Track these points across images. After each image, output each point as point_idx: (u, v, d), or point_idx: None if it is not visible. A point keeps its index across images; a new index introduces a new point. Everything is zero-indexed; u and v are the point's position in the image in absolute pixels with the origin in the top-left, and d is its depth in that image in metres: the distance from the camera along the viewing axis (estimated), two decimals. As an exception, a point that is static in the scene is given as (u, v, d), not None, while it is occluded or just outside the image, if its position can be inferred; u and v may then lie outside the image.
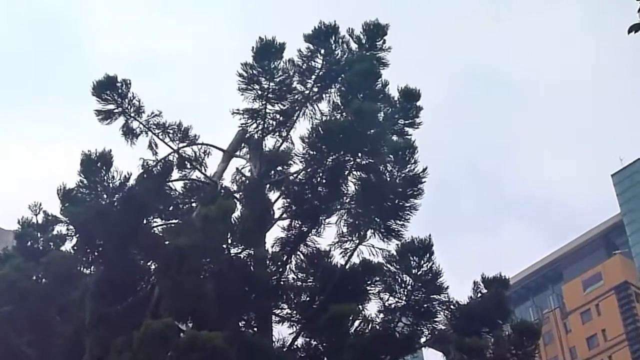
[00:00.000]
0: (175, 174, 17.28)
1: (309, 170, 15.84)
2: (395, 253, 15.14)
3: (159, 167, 16.98)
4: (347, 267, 15.51)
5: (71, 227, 16.20)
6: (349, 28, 17.39)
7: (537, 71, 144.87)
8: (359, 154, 15.48)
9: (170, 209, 17.06)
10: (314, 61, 17.26)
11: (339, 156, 15.43)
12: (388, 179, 15.28)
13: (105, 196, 15.48)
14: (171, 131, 17.04)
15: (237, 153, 17.37)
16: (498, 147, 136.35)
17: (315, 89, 17.30)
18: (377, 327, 14.89)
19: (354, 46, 17.37)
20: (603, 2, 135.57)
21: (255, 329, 14.95)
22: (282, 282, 15.37)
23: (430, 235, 14.91)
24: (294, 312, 15.34)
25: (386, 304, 15.14)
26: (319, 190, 15.68)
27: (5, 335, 16.15)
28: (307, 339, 15.13)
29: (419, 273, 14.87)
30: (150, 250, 15.14)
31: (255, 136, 17.30)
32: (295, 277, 15.70)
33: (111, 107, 16.65)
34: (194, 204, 16.99)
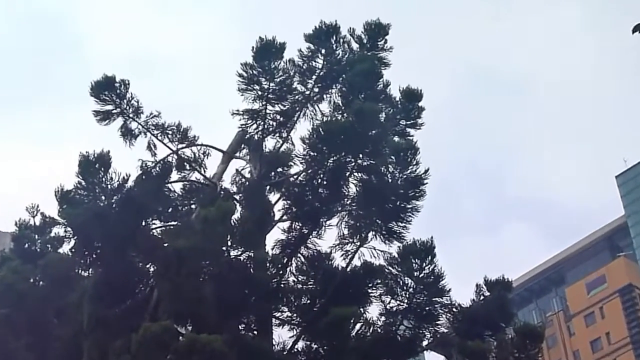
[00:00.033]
0: (175, 176, 17.28)
1: (309, 171, 15.83)
2: (396, 255, 15.14)
3: (157, 169, 16.97)
4: (348, 269, 15.50)
5: (69, 229, 16.17)
6: (350, 28, 17.40)
7: (539, 71, 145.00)
8: (360, 155, 15.47)
9: (169, 210, 17.05)
10: (315, 61, 17.26)
11: (340, 157, 15.42)
12: (389, 180, 15.28)
13: (103, 198, 15.48)
14: (170, 132, 17.04)
15: (237, 154, 17.36)
16: (500, 148, 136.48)
17: (316, 90, 17.30)
18: (379, 330, 14.88)
19: (355, 46, 17.37)
20: (604, 2, 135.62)
21: (255, 332, 14.95)
22: (282, 285, 15.36)
23: (432, 237, 14.92)
24: (295, 315, 15.33)
25: (388, 307, 15.14)
26: (319, 192, 15.67)
27: (3, 338, 16.14)
28: (308, 343, 15.12)
29: (420, 275, 14.86)
30: (149, 252, 15.14)
31: (255, 137, 17.29)
32: (295, 279, 15.70)
33: (109, 107, 16.64)
34: (193, 206, 16.99)
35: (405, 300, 15.00)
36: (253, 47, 16.76)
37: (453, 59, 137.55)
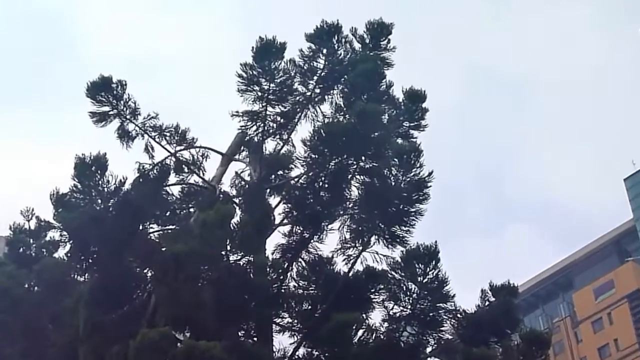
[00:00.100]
0: (173, 178, 17.28)
1: (310, 174, 15.83)
2: (400, 260, 15.13)
3: (155, 171, 16.98)
4: (350, 274, 15.49)
5: (65, 233, 16.20)
6: (352, 27, 17.41)
7: (543, 71, 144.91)
8: (363, 158, 15.47)
9: (167, 214, 17.06)
10: (316, 61, 17.27)
11: (342, 160, 15.43)
12: (392, 183, 15.27)
13: (99, 201, 15.49)
14: (168, 134, 17.04)
15: (237, 156, 17.37)
16: (504, 149, 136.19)
17: (317, 90, 17.31)
18: (382, 337, 14.87)
19: (357, 46, 17.39)
20: (612, 1, 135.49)
21: (255, 339, 14.93)
22: (282, 290, 15.36)
23: (436, 241, 14.90)
24: (295, 321, 15.32)
25: (391, 313, 15.13)
26: (321, 195, 15.67)
27: (-3, 345, 16.16)
28: (309, 349, 15.12)
29: (424, 281, 14.85)
30: (147, 257, 15.14)
31: (255, 139, 17.30)
32: (296, 284, 15.70)
33: (106, 109, 16.65)
34: (191, 209, 16.99)
35: (409, 306, 14.99)
36: (253, 47, 16.78)
37: (455, 59, 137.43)
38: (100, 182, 15.49)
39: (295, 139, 17.13)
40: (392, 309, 15.11)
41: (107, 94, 16.56)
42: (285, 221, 15.96)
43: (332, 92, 17.21)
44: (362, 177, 15.64)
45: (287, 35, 17.15)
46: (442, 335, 15.15)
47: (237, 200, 16.53)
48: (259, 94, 16.92)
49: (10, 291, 16.16)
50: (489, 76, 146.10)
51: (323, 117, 17.12)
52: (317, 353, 15.00)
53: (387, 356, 14.54)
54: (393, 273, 15.12)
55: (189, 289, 13.87)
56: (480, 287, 15.33)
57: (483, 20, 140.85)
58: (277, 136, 17.44)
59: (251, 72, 16.78)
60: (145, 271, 15.68)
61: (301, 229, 15.88)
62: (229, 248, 14.27)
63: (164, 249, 14.93)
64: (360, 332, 14.56)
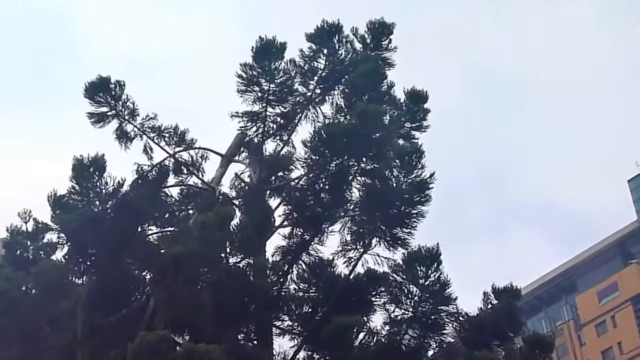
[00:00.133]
0: (172, 180, 17.29)
1: (311, 175, 15.83)
2: (401, 262, 15.12)
3: (154, 173, 16.98)
4: (351, 277, 15.49)
5: (62, 235, 16.20)
6: (353, 27, 17.40)
7: (543, 71, 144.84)
8: (364, 159, 15.48)
9: (166, 216, 17.06)
10: (317, 61, 17.27)
11: (343, 161, 15.43)
12: (394, 184, 15.27)
13: (98, 203, 15.50)
14: (167, 135, 17.04)
15: (236, 158, 17.37)
16: (506, 150, 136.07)
17: (318, 91, 17.31)
18: (383, 340, 14.86)
19: (358, 46, 17.38)
20: (612, 1, 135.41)
21: (255, 342, 14.93)
22: (283, 293, 15.36)
23: (437, 243, 14.89)
24: (296, 324, 15.32)
25: (392, 316, 15.13)
26: (321, 197, 15.67)
27: (-6, 348, 16.16)
28: (309, 353, 15.12)
29: (426, 283, 14.84)
30: (145, 259, 15.14)
31: (255, 140, 17.31)
32: (296, 287, 15.69)
33: (104, 109, 16.65)
34: (190, 211, 16.99)
35: (410, 309, 14.98)
36: (253, 47, 16.78)
37: (455, 59, 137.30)
38: (98, 184, 15.49)
39: (296, 140, 17.17)
40: (394, 311, 15.12)
41: (105, 95, 16.56)
42: (285, 223, 15.96)
43: (332, 92, 17.21)
44: (363, 178, 15.63)
45: (287, 35, 17.18)
46: (444, 339, 15.15)
47: (236, 202, 16.54)
48: (259, 94, 16.92)
49: (7, 294, 16.17)
50: (489, 76, 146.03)
51: (324, 118, 17.13)
52: (317, 356, 15.00)
53: (389, 359, 14.55)
54: (394, 275, 15.12)
55: (188, 291, 13.87)
56: (482, 290, 15.35)
57: (483, 20, 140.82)
58: (277, 137, 17.45)
59: (251, 73, 16.78)
60: (143, 273, 15.68)
61: (301, 230, 15.88)
62: (228, 250, 14.27)
63: (162, 251, 14.93)
64: (361, 335, 14.56)
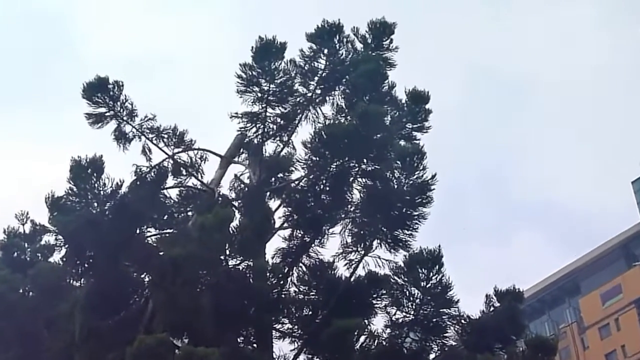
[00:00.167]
0: (170, 181, 17.31)
1: (311, 177, 15.84)
2: (402, 264, 15.12)
3: (152, 174, 16.99)
4: (351, 279, 15.50)
5: (60, 237, 16.18)
6: (354, 27, 17.41)
7: (544, 71, 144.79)
8: (365, 160, 15.48)
9: (165, 217, 17.07)
10: (317, 62, 17.28)
11: (343, 162, 15.43)
12: (395, 186, 15.27)
13: (96, 204, 15.49)
14: (166, 136, 17.05)
15: (236, 159, 17.38)
16: (508, 151, 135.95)
17: (318, 91, 17.32)
18: (384, 343, 14.86)
19: (359, 46, 17.39)
20: (613, 1, 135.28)
21: (255, 345, 14.93)
22: (283, 296, 15.36)
23: (439, 245, 14.89)
24: (296, 327, 15.33)
25: (393, 319, 15.12)
26: (322, 198, 15.68)
27: (-9, 351, 16.17)
28: (310, 356, 15.12)
29: (427, 286, 14.84)
30: (144, 261, 15.14)
31: (255, 141, 17.31)
32: (297, 290, 15.70)
33: (102, 110, 16.65)
34: (189, 213, 17.00)
35: (412, 312, 14.98)
36: (252, 47, 16.78)
37: (456, 59, 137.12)
38: (96, 185, 15.49)
39: (296, 141, 17.17)
40: (395, 314, 15.12)
41: (103, 95, 16.55)
42: (285, 225, 15.97)
43: (333, 93, 17.22)
44: (364, 180, 15.64)
45: (288, 35, 17.18)
46: (445, 342, 15.14)
47: (236, 204, 16.54)
48: (259, 95, 16.92)
49: (4, 296, 16.19)
50: (490, 76, 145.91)
51: (324, 119, 17.14)
52: (317, 360, 15.01)
53: (390, 363, 14.56)
54: (396, 278, 15.12)
55: (187, 294, 13.87)
56: (484, 292, 15.35)
57: (484, 20, 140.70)
58: (277, 138, 17.46)
59: (251, 73, 16.78)
60: (142, 276, 15.69)
61: (302, 232, 15.88)
62: (228, 252, 14.26)
63: (161, 253, 14.92)
64: (362, 339, 14.55)
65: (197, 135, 17.27)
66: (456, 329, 15.12)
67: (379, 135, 15.36)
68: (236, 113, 17.18)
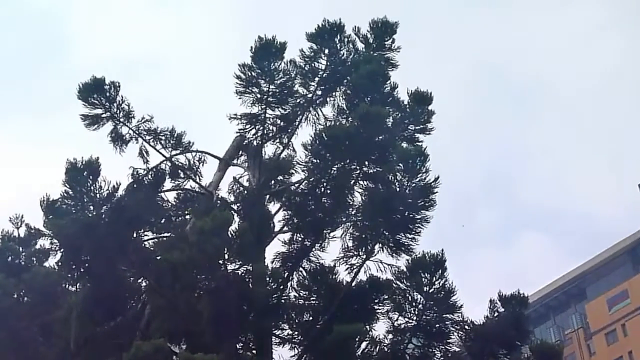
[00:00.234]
0: (168, 184, 17.33)
1: (312, 179, 15.83)
2: (405, 269, 15.11)
3: (150, 176, 17.02)
4: (353, 284, 15.49)
5: (55, 241, 16.19)
6: (355, 26, 17.42)
7: (561, 74, 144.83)
8: (366, 162, 15.48)
9: (162, 221, 17.07)
10: (318, 62, 17.28)
11: (345, 164, 15.43)
12: (397, 189, 15.26)
13: (92, 208, 15.47)
14: (163, 137, 17.06)
15: (235, 161, 17.39)
16: (513, 154, 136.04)
17: (319, 92, 17.32)
18: (386, 349, 14.87)
19: (360, 46, 17.40)
20: (626, 2, 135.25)
21: (254, 351, 14.93)
22: (283, 301, 15.36)
23: (442, 249, 14.89)
24: (296, 332, 15.33)
25: (395, 324, 15.12)
26: (322, 202, 15.67)
27: (-16, 358, 16.17)
28: (310, 362, 15.12)
29: (430, 291, 14.84)
30: (141, 265, 15.14)
31: (254, 143, 17.31)
32: (297, 295, 15.69)
33: (98, 111, 16.67)
34: (187, 216, 17.00)
35: (414, 317, 14.98)
36: (252, 47, 16.78)
37: (463, 60, 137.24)
38: (92, 188, 15.46)
39: (296, 143, 17.18)
40: (397, 320, 15.11)
41: (99, 96, 16.57)
42: (285, 228, 15.97)
43: (334, 94, 17.21)
44: (365, 182, 15.63)
45: (288, 34, 17.18)
46: (449, 348, 15.14)
47: (235, 207, 16.55)
48: (258, 95, 16.92)
49: (-2, 301, 16.18)
50: (497, 77, 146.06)
51: (325, 120, 17.14)
52: (318, 366, 15.00)
53: (392, 369, 14.56)
54: (398, 283, 15.11)
55: (185, 299, 13.88)
56: (488, 298, 15.34)
57: (490, 20, 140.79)
58: (277, 140, 17.45)
59: (250, 73, 16.78)
60: (139, 280, 15.68)
61: (302, 236, 15.88)
62: (226, 256, 14.24)
63: (159, 258, 14.94)
64: (363, 345, 14.57)
65: (195, 137, 17.31)
66: (459, 334, 15.12)
67: (380, 137, 15.36)
68: (235, 114, 17.20)
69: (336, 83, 17.18)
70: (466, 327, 15.10)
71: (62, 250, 15.98)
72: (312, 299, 15.64)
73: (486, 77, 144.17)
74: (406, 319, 15.03)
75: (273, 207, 16.37)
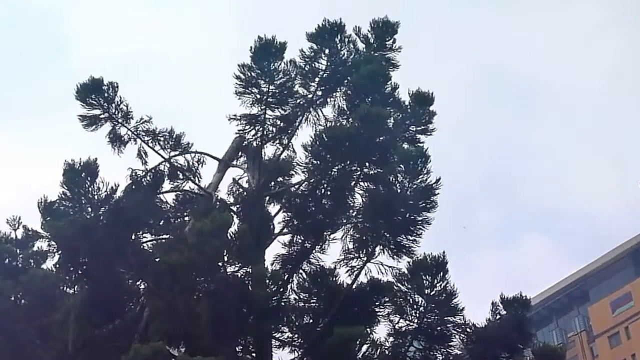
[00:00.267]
0: (167, 185, 17.32)
1: (312, 181, 15.83)
2: (406, 271, 15.12)
3: (148, 178, 17.00)
4: (353, 286, 15.49)
5: (53, 243, 16.20)
6: (356, 26, 17.44)
7: (562, 74, 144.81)
8: (367, 164, 15.48)
9: (161, 223, 17.07)
10: (318, 62, 17.28)
11: (345, 166, 15.43)
12: (398, 190, 15.26)
13: (90, 209, 15.46)
14: (162, 138, 17.05)
15: (234, 162, 17.39)
16: (515, 155, 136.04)
17: (319, 93, 17.32)
18: (387, 352, 14.87)
19: (361, 46, 17.41)
20: (627, 2, 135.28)
21: (254, 354, 14.93)
22: (282, 303, 15.35)
23: (444, 251, 14.90)
24: (296, 335, 15.32)
25: (396, 327, 15.12)
26: (323, 203, 15.67)
27: (-19, 361, 16.18)
28: (310, 365, 15.12)
29: (432, 293, 14.84)
30: (139, 267, 15.14)
31: (254, 144, 17.31)
32: (297, 297, 15.69)
33: (97, 112, 16.67)
34: (186, 218, 17.00)
35: (416, 320, 14.98)
36: (251, 47, 16.78)
37: (463, 60, 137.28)
38: (90, 189, 15.46)
39: (296, 144, 17.18)
40: (398, 322, 15.12)
41: (97, 97, 16.57)
42: (285, 230, 15.97)
43: (334, 94, 17.22)
44: (366, 184, 15.64)
45: (288, 34, 17.18)
46: (450, 351, 15.14)
47: (234, 208, 16.55)
48: (258, 96, 16.92)
49: (-5, 304, 16.18)
50: (498, 78, 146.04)
51: (325, 121, 17.15)
52: (318, 369, 15.00)
53: (393, 372, 14.56)
54: (399, 285, 15.12)
55: (184, 301, 13.88)
56: (490, 300, 15.34)
57: (491, 20, 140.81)
58: (277, 141, 17.45)
59: (249, 74, 16.78)
60: (138, 283, 15.68)
61: (302, 238, 15.88)
62: (226, 258, 14.24)
63: (157, 260, 14.93)
64: (364, 348, 14.56)
65: (194, 138, 17.31)
66: (461, 337, 15.12)
67: (381, 138, 15.36)
68: (235, 115, 17.21)
69: (337, 83, 17.18)
70: (468, 330, 15.10)
71: (59, 252, 15.99)
72: (312, 301, 15.64)
73: (486, 77, 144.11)
74: (407, 322, 15.04)
75: (273, 208, 16.40)
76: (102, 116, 16.69)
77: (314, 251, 15.87)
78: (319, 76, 17.24)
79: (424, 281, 14.81)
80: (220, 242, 13.97)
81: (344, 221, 15.70)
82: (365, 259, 15.45)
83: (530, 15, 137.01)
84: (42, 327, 15.99)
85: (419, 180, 15.17)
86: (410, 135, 16.41)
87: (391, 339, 15.10)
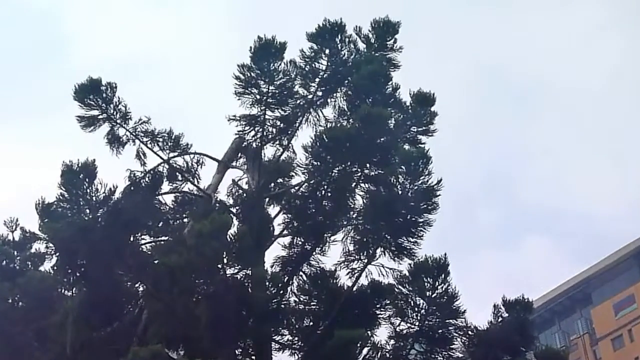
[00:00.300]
0: (166, 187, 17.31)
1: (312, 182, 15.83)
2: (407, 273, 15.12)
3: (147, 179, 17.00)
4: (354, 288, 15.49)
5: (51, 244, 16.19)
6: (357, 26, 17.42)
7: (563, 74, 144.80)
8: (368, 165, 15.48)
9: (160, 224, 17.06)
10: (318, 62, 17.28)
11: (346, 167, 15.43)
12: (399, 191, 15.27)
13: (88, 211, 15.48)
14: (161, 139, 17.05)
15: (234, 163, 17.38)
16: (517, 156, 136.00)
17: (320, 93, 17.32)
18: (388, 355, 14.87)
19: (362, 46, 17.40)
20: (628, 1, 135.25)
21: (253, 357, 14.94)
22: (282, 306, 15.35)
23: (445, 253, 14.90)
24: (296, 338, 15.32)
25: (397, 329, 15.12)
26: (323, 205, 15.67)
27: (-22, 364, 16.17)
28: (310, 368, 15.11)
29: (433, 295, 14.84)
30: (138, 269, 15.14)
31: (254, 145, 17.31)
32: (297, 300, 15.70)
33: (95, 112, 16.66)
34: (186, 220, 17.00)
35: (417, 322, 14.98)
36: (251, 48, 16.78)
37: (464, 61, 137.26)
38: (88, 191, 15.47)
39: (296, 145, 17.17)
40: (399, 325, 15.12)
41: (95, 97, 16.55)
42: (285, 232, 15.97)
43: (335, 95, 17.21)
44: (367, 185, 15.64)
45: (288, 34, 17.18)
46: (452, 353, 15.14)
47: (234, 210, 16.54)
48: (258, 96, 16.91)
49: (-8, 306, 16.18)
50: (498, 78, 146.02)
51: (325, 122, 17.15)
52: (319, 372, 15.00)
53: (394, 375, 14.56)
54: (400, 287, 15.12)
55: (183, 304, 13.88)
56: (492, 302, 15.34)
57: (491, 20, 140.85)
58: (277, 142, 17.45)
59: (249, 74, 16.77)
60: (136, 285, 15.67)
61: (302, 240, 15.88)
62: (225, 260, 14.26)
63: (156, 262, 14.93)
64: (365, 350, 14.57)
65: (193, 139, 17.29)
66: (463, 340, 15.12)
67: (382, 139, 15.36)
68: (234, 116, 17.20)
69: (337, 84, 17.18)
70: (469, 332, 15.11)
71: (57, 254, 15.99)
72: (312, 303, 15.64)
73: (486, 77, 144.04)
74: (408, 324, 15.04)
75: (273, 210, 16.39)
76: (100, 117, 16.68)
77: (314, 253, 15.87)
78: (319, 76, 17.24)
79: (425, 283, 14.81)
80: (219, 244, 13.97)
81: (345, 223, 15.71)
82: (366, 261, 15.46)
83: (530, 15, 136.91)
84: (40, 329, 15.97)
85: (420, 182, 15.17)
86: (411, 136, 16.41)
87: (392, 341, 15.10)
